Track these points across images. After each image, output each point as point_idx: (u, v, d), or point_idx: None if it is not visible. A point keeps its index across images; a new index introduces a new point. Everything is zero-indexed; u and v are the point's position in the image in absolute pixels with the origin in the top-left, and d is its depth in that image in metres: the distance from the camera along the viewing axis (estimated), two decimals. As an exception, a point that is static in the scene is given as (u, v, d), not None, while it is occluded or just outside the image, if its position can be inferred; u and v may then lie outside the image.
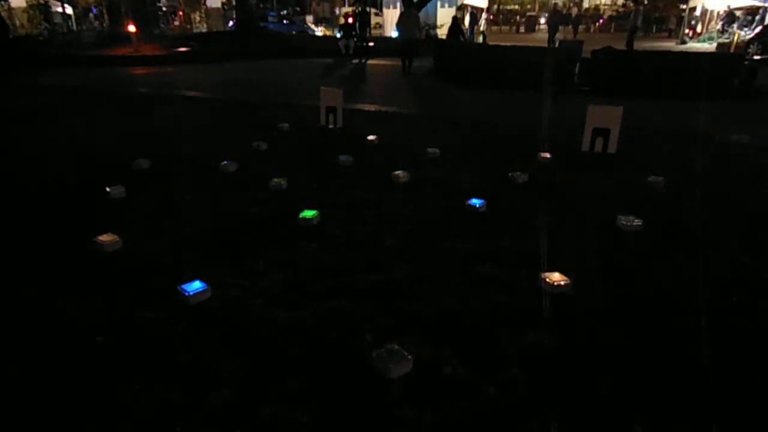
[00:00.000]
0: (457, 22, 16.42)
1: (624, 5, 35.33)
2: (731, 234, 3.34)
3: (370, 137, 5.77)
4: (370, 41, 17.85)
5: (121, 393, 1.91)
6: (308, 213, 3.45)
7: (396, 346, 2.08)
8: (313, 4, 37.63)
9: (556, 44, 18.30)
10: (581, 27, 30.49)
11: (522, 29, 36.57)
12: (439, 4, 24.92)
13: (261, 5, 32.53)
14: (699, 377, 2.01)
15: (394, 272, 2.81)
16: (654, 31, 31.01)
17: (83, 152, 5.26)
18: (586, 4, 39.64)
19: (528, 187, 4.24)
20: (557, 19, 21.09)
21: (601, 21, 36.51)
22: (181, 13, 30.97)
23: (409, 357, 2.03)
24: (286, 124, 6.41)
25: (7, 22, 18.05)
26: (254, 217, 3.56)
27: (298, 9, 36.05)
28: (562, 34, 22.63)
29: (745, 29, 21.49)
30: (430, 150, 5.18)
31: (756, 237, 3.32)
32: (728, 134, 6.00)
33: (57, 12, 23.54)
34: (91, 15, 27.28)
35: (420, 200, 3.92)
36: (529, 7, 40.37)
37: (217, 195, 4.00)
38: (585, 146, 5.32)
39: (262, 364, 2.07)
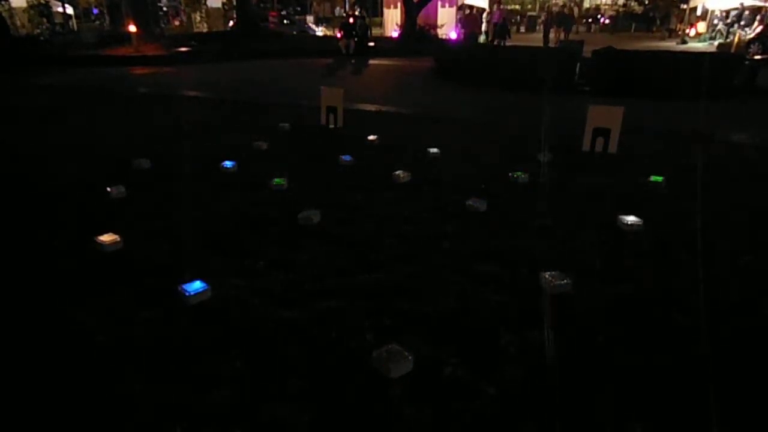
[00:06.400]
0: (505, 22, 17.57)
1: (624, 5, 35.28)
2: (731, 234, 3.34)
3: (371, 137, 5.77)
4: (371, 41, 17.86)
5: (121, 393, 1.91)
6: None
7: (396, 346, 2.08)
8: (314, 4, 37.61)
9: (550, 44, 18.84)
10: (577, 27, 30.42)
11: (522, 29, 36.56)
12: (439, 4, 24.91)
13: (261, 5, 32.51)
14: (699, 377, 2.00)
15: (394, 272, 2.81)
16: (654, 30, 30.97)
17: (84, 152, 5.26)
18: (586, 4, 39.58)
19: (528, 187, 4.24)
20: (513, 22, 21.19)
21: (601, 21, 36.43)
22: (182, 13, 30.97)
23: (409, 357, 2.03)
24: (287, 124, 6.41)
25: (8, 22, 18.06)
26: (254, 217, 3.57)
27: (298, 9, 36.02)
28: (555, 34, 22.64)
29: (746, 29, 21.47)
30: (430, 150, 5.18)
31: (756, 237, 3.32)
32: (728, 134, 6.00)
33: (58, 12, 23.55)
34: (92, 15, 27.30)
35: (420, 200, 3.92)
36: (529, 7, 40.34)
37: (217, 195, 4.00)
38: (585, 146, 5.31)
39: (262, 364, 2.07)
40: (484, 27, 22.24)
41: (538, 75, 9.44)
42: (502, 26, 19.17)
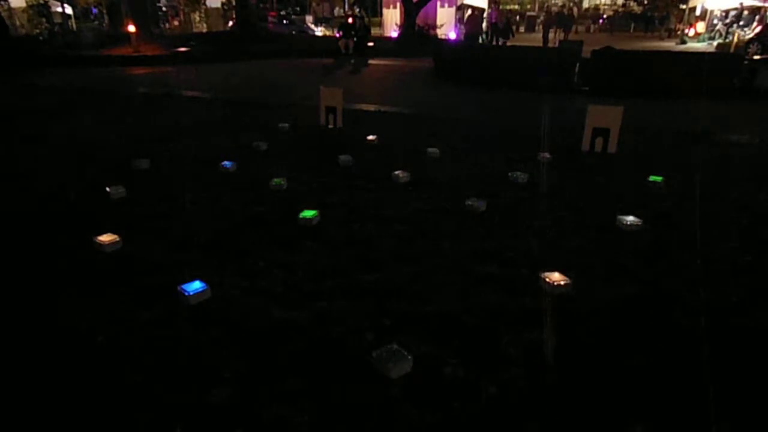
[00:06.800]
0: (508, 22, 18.06)
1: (624, 5, 35.27)
2: (731, 234, 3.34)
3: (370, 137, 5.77)
4: (370, 41, 17.86)
5: (122, 393, 1.91)
6: (308, 213, 3.45)
7: (396, 346, 2.08)
8: (313, 4, 37.59)
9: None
10: (577, 27, 30.38)
11: (522, 29, 36.57)
12: (439, 4, 24.89)
13: (260, 5, 32.48)
14: (700, 377, 2.01)
15: (394, 272, 2.81)
16: (653, 30, 30.96)
17: (83, 152, 5.26)
18: (585, 4, 39.56)
19: (528, 187, 4.24)
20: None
21: (601, 21, 36.43)
22: (181, 13, 30.93)
23: (409, 357, 2.03)
24: (286, 124, 6.41)
25: (7, 22, 18.04)
26: (254, 217, 3.56)
27: (297, 9, 36.00)
28: (554, 34, 22.72)
29: (745, 29, 21.48)
30: (430, 150, 5.18)
31: (756, 237, 3.32)
32: (728, 134, 6.01)
33: (57, 12, 23.51)
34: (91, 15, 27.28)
35: (420, 200, 3.92)
36: (528, 7, 40.33)
37: (217, 195, 4.00)
38: (585, 146, 5.32)
39: (262, 363, 2.07)
40: (485, 26, 22.27)
41: (538, 75, 9.44)
42: (505, 26, 19.39)
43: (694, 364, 2.08)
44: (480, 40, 19.07)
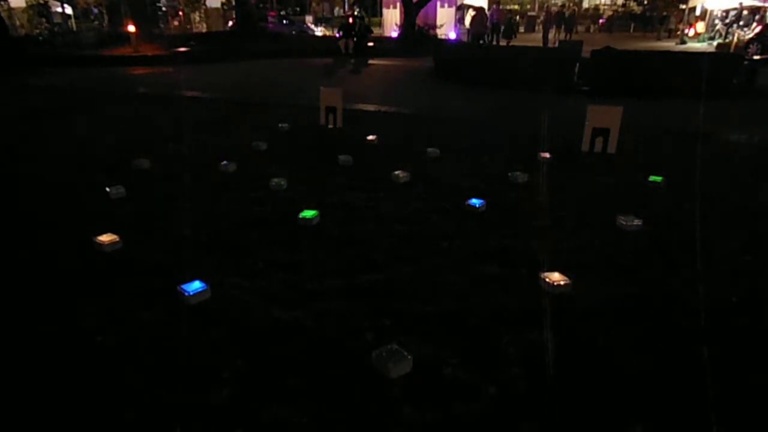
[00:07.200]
0: (511, 22, 18.70)
1: (624, 5, 35.28)
2: (731, 234, 3.34)
3: (370, 137, 5.77)
4: (370, 41, 17.87)
5: (121, 393, 1.91)
6: (308, 213, 3.45)
7: (395, 346, 2.08)
8: (313, 4, 37.60)
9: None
10: (577, 27, 30.39)
11: (522, 29, 36.57)
12: (438, 4, 24.91)
13: (260, 5, 32.48)
14: (699, 377, 2.01)
15: (393, 272, 2.81)
16: (653, 30, 30.95)
17: (83, 152, 5.26)
18: (585, 4, 39.55)
19: (528, 187, 4.24)
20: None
21: (601, 21, 36.43)
22: (181, 13, 30.91)
23: (409, 357, 2.03)
24: (286, 124, 6.41)
25: (7, 22, 18.03)
26: (254, 217, 3.56)
27: (297, 9, 36.02)
28: (554, 35, 22.83)
29: (745, 29, 21.49)
30: (430, 150, 5.18)
31: (756, 236, 3.32)
32: (728, 134, 6.01)
33: (57, 12, 23.52)
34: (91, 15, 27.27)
35: (420, 200, 3.92)
36: (528, 7, 40.33)
37: (217, 195, 4.00)
38: (585, 146, 5.32)
39: (262, 363, 2.07)
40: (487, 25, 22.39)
41: (538, 75, 9.44)
42: (507, 26, 19.55)
43: (693, 365, 2.08)
44: (481, 41, 19.13)
